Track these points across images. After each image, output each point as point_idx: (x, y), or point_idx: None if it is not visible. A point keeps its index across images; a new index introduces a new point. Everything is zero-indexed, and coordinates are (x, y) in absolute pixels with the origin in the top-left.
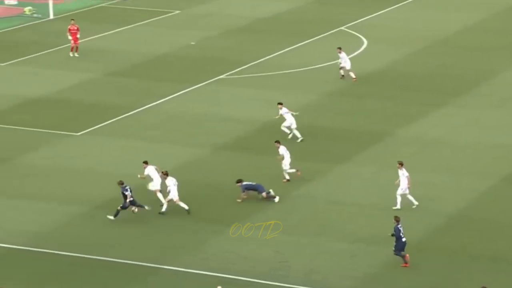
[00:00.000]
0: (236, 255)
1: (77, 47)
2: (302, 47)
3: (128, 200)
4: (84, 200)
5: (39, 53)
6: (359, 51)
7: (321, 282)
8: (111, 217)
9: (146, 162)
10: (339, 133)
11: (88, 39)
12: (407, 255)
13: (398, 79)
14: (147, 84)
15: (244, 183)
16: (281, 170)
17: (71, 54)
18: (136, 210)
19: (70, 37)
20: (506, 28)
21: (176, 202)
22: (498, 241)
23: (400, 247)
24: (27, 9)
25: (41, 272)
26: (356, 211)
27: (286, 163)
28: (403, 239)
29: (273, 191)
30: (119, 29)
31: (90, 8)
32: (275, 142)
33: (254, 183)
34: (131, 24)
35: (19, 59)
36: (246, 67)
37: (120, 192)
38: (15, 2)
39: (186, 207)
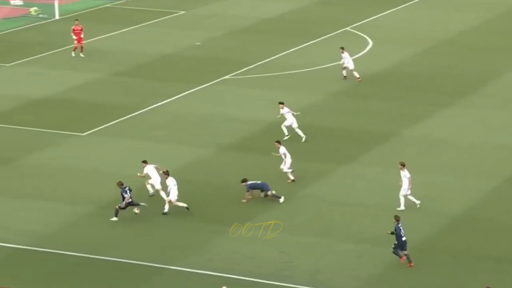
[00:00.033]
0: (241, 255)
1: (82, 47)
2: (307, 48)
3: (125, 202)
4: (90, 200)
5: (45, 54)
6: (364, 51)
7: (326, 282)
8: (115, 218)
9: (145, 161)
10: (344, 134)
11: (94, 40)
12: (403, 257)
13: (403, 79)
14: (153, 84)
15: (249, 182)
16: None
17: (73, 54)
18: (138, 211)
19: (74, 37)
20: (511, 29)
21: (174, 203)
22: (503, 241)
23: (400, 246)
24: (32, 10)
25: (46, 272)
26: (361, 211)
27: (286, 163)
28: (403, 238)
29: (279, 191)
30: (124, 30)
31: (96, 8)
32: (276, 142)
33: (259, 182)
34: (136, 25)
35: (25, 60)
36: (251, 68)
37: (120, 193)
38: (21, 3)
39: (184, 205)
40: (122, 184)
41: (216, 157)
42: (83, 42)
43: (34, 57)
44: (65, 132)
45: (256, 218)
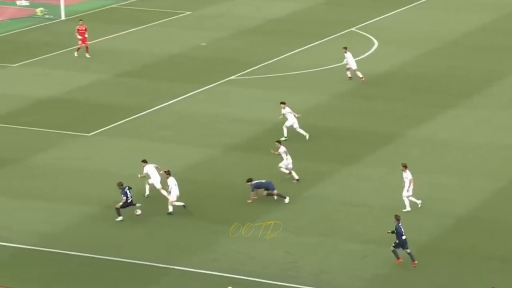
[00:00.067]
0: (246, 255)
1: (87, 47)
2: (313, 48)
3: (122, 202)
4: (95, 200)
5: (51, 54)
6: (369, 52)
7: (331, 283)
8: (120, 218)
9: (145, 161)
10: (349, 134)
11: (100, 40)
12: (400, 259)
13: (408, 80)
14: (159, 84)
15: (254, 182)
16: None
17: (76, 54)
18: (139, 212)
19: (79, 37)
20: None
21: (172, 204)
22: (508, 242)
23: (400, 245)
24: (38, 10)
25: (51, 272)
26: (365, 212)
27: (287, 164)
28: (403, 237)
29: (284, 192)
30: (130, 30)
31: (102, 9)
32: (276, 142)
33: (264, 181)
34: (142, 25)
35: (31, 60)
36: (257, 68)
37: (120, 194)
38: (27, 3)
39: (181, 203)
40: (122, 185)
41: (222, 157)
42: (88, 42)
43: (40, 57)
44: (71, 133)
45: (261, 218)
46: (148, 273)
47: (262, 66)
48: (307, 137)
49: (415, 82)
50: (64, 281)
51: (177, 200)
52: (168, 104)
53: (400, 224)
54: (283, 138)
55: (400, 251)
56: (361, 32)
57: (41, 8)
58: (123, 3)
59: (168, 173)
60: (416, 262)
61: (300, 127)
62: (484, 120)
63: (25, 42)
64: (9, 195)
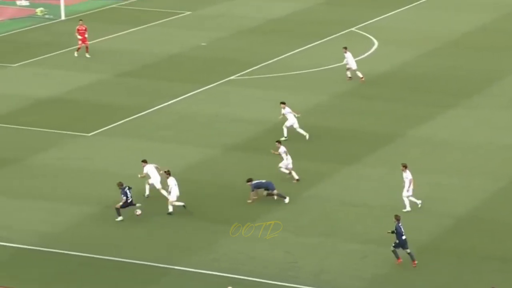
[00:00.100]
0: (246, 255)
1: (87, 47)
2: (313, 48)
3: (122, 202)
4: (95, 200)
5: (51, 54)
6: (369, 52)
7: (331, 283)
8: (120, 218)
9: (145, 161)
10: (349, 134)
11: (100, 40)
12: (400, 259)
13: (408, 80)
14: (159, 84)
15: (254, 182)
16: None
17: (76, 54)
18: (139, 212)
19: (79, 37)
20: None
21: (172, 204)
22: (508, 242)
23: (400, 245)
24: (38, 10)
25: (51, 272)
26: (365, 212)
27: (287, 164)
28: (403, 237)
29: (283, 192)
30: (130, 30)
31: (102, 9)
32: (276, 142)
33: (264, 181)
34: (142, 25)
35: (31, 60)
36: (257, 68)
37: (120, 194)
38: (27, 3)
39: (181, 203)
40: (122, 185)
41: (222, 157)
42: (88, 42)
43: (40, 57)
44: (71, 133)
45: (261, 218)
46: (148, 273)
47: (262, 66)
48: (307, 137)
49: (415, 82)
50: (64, 281)
51: (177, 200)
52: (168, 104)
53: (400, 224)
54: (283, 138)
55: (400, 251)
56: (361, 32)
57: (41, 8)
58: (123, 3)
59: (168, 173)
60: (416, 262)
61: (300, 127)
62: (484, 120)
63: (25, 42)
64: (9, 195)
